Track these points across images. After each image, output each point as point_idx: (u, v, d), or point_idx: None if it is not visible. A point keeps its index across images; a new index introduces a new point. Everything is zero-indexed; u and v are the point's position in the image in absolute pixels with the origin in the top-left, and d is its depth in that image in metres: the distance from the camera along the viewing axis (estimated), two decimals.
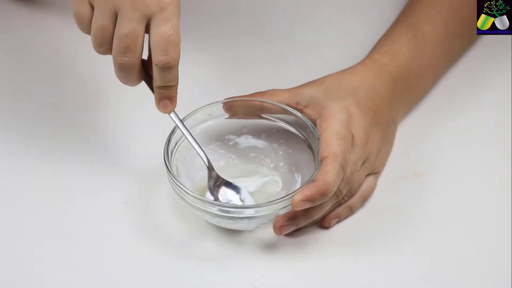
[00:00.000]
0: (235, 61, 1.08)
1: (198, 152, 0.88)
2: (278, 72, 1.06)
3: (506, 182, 0.92)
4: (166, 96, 0.85)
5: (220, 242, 0.88)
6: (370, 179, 0.91)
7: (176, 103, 0.85)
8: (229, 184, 0.89)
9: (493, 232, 0.89)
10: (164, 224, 0.89)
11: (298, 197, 0.83)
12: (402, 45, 0.98)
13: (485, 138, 0.98)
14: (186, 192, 0.85)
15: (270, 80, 1.03)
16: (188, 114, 0.90)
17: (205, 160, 0.88)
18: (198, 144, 0.88)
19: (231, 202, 0.88)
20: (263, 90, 0.93)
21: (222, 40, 1.11)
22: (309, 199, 0.83)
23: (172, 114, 0.87)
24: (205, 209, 0.85)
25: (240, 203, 0.88)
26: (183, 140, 0.90)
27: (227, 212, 0.84)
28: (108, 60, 1.06)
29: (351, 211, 0.90)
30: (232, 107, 0.92)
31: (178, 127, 0.88)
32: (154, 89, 0.85)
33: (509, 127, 0.98)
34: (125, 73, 0.84)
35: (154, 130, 0.94)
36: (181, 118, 0.88)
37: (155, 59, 0.82)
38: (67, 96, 1.04)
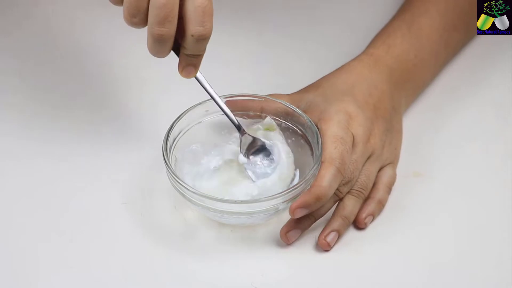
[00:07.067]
0: (235, 59, 1.09)
1: (226, 113, 0.87)
2: (277, 70, 1.07)
3: (506, 182, 0.92)
4: (192, 64, 0.84)
5: (220, 242, 0.88)
6: (387, 169, 0.91)
7: (198, 69, 0.85)
8: (260, 149, 0.90)
9: (493, 231, 0.88)
10: (163, 223, 0.89)
11: (294, 205, 0.84)
12: (397, 37, 0.98)
13: (485, 137, 0.98)
14: (184, 187, 0.85)
15: (269, 78, 1.04)
16: (186, 110, 0.90)
17: (234, 120, 0.88)
18: (225, 106, 0.88)
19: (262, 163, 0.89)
20: (262, 90, 0.93)
21: (221, 40, 1.11)
22: (304, 206, 0.84)
23: (198, 74, 0.85)
24: (204, 204, 0.84)
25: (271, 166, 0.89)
26: (182, 135, 0.90)
27: (226, 207, 0.84)
28: (105, 61, 1.07)
29: (382, 205, 0.90)
30: (231, 103, 0.91)
31: (204, 88, 0.87)
32: (182, 55, 0.83)
33: (509, 126, 0.98)
34: (160, 44, 0.81)
35: (154, 129, 0.95)
36: (179, 114, 0.89)
37: (191, 30, 0.80)
38: (66, 95, 1.04)
